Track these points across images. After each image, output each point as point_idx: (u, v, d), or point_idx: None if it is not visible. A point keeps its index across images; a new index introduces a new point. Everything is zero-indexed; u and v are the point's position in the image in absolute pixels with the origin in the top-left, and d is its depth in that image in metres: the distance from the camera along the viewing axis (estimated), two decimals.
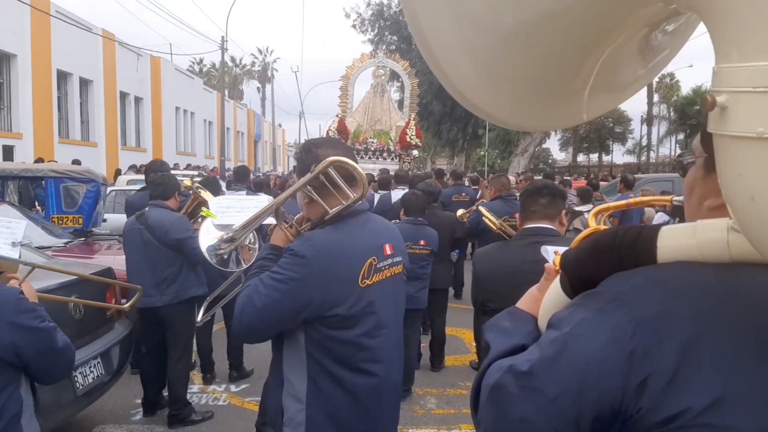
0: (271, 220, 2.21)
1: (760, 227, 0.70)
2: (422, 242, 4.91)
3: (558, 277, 1.01)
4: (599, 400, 0.81)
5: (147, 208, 4.47)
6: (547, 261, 1.17)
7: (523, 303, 1.14)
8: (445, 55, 1.11)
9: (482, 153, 31.44)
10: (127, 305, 3.54)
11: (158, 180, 4.74)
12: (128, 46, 26.40)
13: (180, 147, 33.54)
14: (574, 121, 1.32)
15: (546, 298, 1.05)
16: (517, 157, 25.30)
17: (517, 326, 1.06)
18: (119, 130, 26.35)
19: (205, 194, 4.95)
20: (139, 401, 4.65)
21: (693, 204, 0.96)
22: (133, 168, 16.60)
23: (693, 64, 35.75)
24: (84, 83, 23.69)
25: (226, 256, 2.15)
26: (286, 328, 1.93)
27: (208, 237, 2.16)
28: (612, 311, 0.83)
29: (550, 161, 47.02)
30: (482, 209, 5.21)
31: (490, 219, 4.90)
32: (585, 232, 1.04)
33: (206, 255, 2.12)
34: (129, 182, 12.60)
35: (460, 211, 6.42)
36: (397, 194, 7.10)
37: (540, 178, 13.95)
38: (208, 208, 4.96)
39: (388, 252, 2.01)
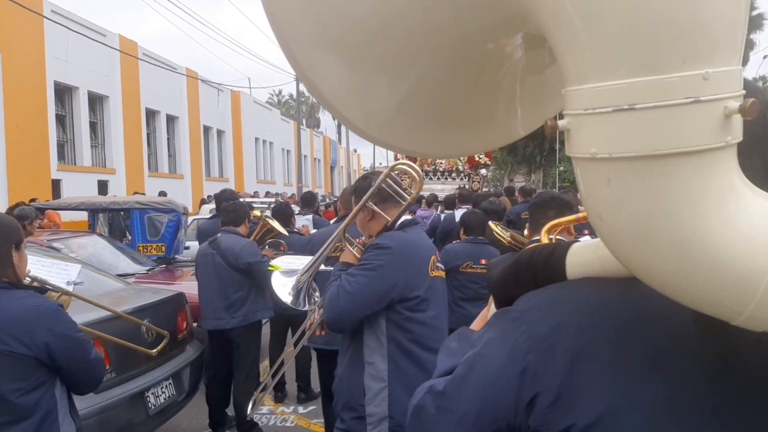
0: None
1: (613, 244, 0.71)
2: (483, 261, 4.79)
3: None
4: (496, 419, 0.82)
5: (219, 234, 4.68)
6: None
7: (475, 323, 1.15)
8: (342, 100, 1.05)
9: (562, 168, 30.60)
10: (154, 351, 3.61)
11: (230, 207, 4.98)
12: (210, 83, 27.79)
13: (260, 176, 34.78)
14: (508, 138, 1.25)
15: (488, 318, 1.04)
16: None
17: (463, 347, 1.03)
18: (203, 162, 27.69)
19: (273, 223, 5.13)
20: (208, 422, 4.80)
21: None
22: (210, 199, 17.33)
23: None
24: (170, 119, 25.11)
25: (302, 290, 2.48)
26: (373, 311, 2.26)
27: (282, 285, 2.48)
28: (513, 330, 0.83)
29: None
30: (491, 224, 4.97)
31: (498, 233, 4.78)
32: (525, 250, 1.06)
33: (285, 299, 2.45)
34: (211, 211, 13.15)
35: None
36: (460, 213, 7.02)
37: None
38: (275, 236, 5.16)
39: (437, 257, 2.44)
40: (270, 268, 2.71)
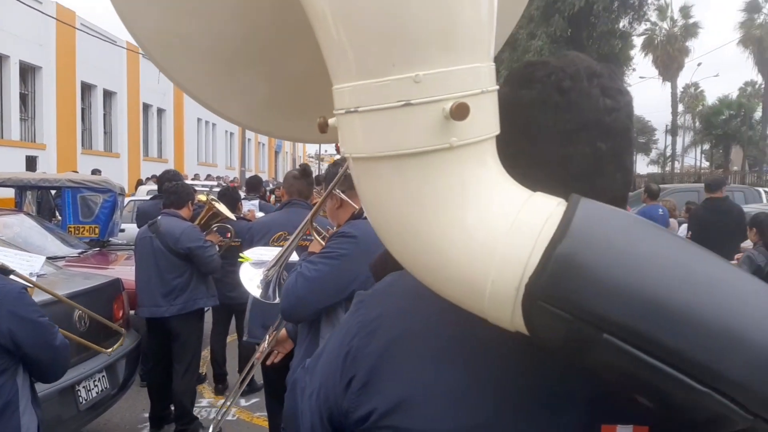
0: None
1: (380, 237, 0.74)
2: None
3: None
4: (327, 398, 0.84)
5: (159, 217, 4.42)
6: None
7: None
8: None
9: None
10: (109, 350, 3.55)
11: (171, 189, 4.72)
12: None
13: (201, 158, 33.82)
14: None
15: None
16: None
17: None
18: (141, 141, 26.63)
19: (220, 206, 4.88)
20: (147, 415, 4.55)
21: None
22: (154, 178, 16.70)
23: (719, 73, 35.26)
24: (108, 95, 24.01)
25: (272, 283, 2.31)
26: (331, 302, 2.12)
27: (250, 278, 2.33)
28: (353, 313, 0.86)
29: None
30: None
31: None
32: None
33: (253, 292, 2.29)
34: (149, 192, 12.65)
35: None
36: None
37: None
38: (222, 220, 4.93)
39: None
40: (240, 259, 2.55)
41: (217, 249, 4.60)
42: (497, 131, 0.69)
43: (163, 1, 0.97)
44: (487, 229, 0.63)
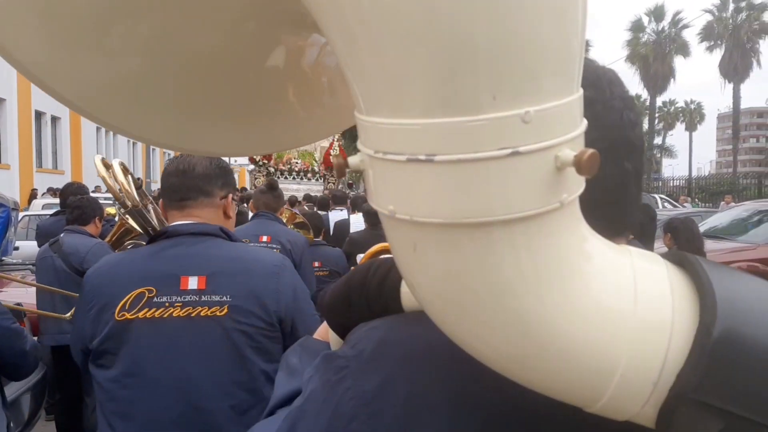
0: None
1: (434, 318, 0.55)
2: (316, 264, 4.61)
3: None
4: None
5: (62, 234, 4.06)
6: None
7: (319, 330, 0.95)
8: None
9: None
10: (68, 315, 3.36)
11: (76, 203, 4.31)
12: None
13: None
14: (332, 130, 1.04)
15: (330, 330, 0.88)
16: None
17: (305, 363, 0.87)
18: (34, 151, 24.83)
19: (133, 222, 4.55)
20: None
21: None
22: (51, 191, 15.62)
23: None
24: None
25: None
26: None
27: None
28: (337, 385, 0.66)
29: None
30: None
31: None
32: (372, 250, 0.95)
33: None
34: (45, 206, 11.83)
35: None
36: (334, 215, 6.89)
37: None
38: (134, 236, 4.60)
39: (191, 286, 1.58)
40: None
41: None
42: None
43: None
44: (607, 308, 0.50)
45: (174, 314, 1.56)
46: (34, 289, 4.22)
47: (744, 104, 51.51)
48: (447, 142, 0.45)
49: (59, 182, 21.38)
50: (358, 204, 6.49)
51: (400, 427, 0.61)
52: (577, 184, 0.49)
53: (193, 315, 1.56)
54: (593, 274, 0.50)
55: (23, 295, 4.47)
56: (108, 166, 2.07)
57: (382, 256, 0.87)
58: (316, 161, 17.19)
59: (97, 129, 31.25)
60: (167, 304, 1.56)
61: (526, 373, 0.53)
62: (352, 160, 0.52)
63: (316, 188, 15.03)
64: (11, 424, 3.37)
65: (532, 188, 0.46)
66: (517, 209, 0.46)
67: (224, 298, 1.58)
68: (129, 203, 1.77)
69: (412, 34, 0.44)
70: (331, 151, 16.52)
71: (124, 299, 1.55)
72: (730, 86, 40.61)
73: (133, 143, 37.79)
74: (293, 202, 11.05)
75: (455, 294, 0.50)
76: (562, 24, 0.46)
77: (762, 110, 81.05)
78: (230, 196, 1.82)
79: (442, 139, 0.45)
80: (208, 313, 1.57)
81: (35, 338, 3.95)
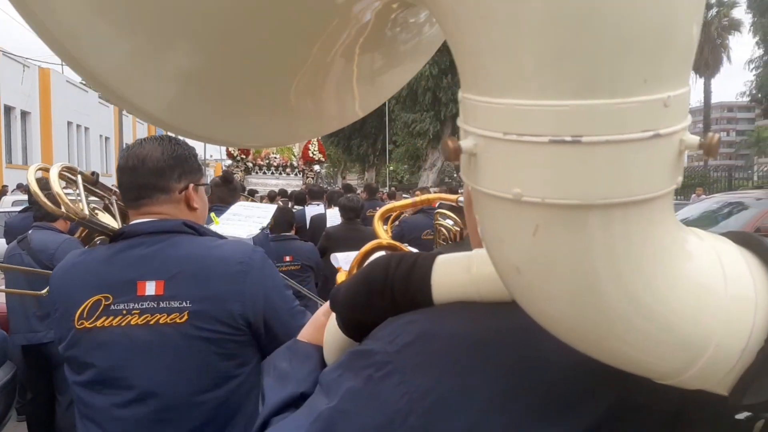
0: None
1: (530, 301, 0.57)
2: (287, 258, 4.55)
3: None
4: None
5: (30, 231, 3.96)
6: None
7: (306, 332, 0.93)
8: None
9: (391, 168, 31.81)
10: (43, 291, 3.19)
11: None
12: (13, 56, 24.47)
13: (74, 164, 31.29)
14: (342, 121, 1.11)
15: (328, 330, 0.85)
16: (425, 171, 25.73)
17: (296, 368, 0.86)
18: (3, 147, 24.24)
19: (104, 216, 4.46)
20: None
21: (471, 224, 0.80)
22: (22, 188, 15.27)
23: None
24: None
25: None
26: None
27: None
28: (382, 382, 0.65)
29: (455, 176, 48.23)
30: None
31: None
32: (366, 247, 0.91)
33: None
34: (15, 203, 11.56)
35: None
36: (311, 210, 6.85)
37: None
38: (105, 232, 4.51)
39: (148, 292, 1.47)
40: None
41: None
42: None
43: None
44: (705, 287, 0.53)
45: (132, 322, 1.46)
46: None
47: (714, 99, 52.54)
48: (595, 123, 0.45)
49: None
50: (334, 199, 6.48)
51: (458, 420, 0.61)
52: (682, 169, 0.53)
53: (152, 323, 1.46)
54: (691, 255, 0.54)
55: None
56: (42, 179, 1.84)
57: (376, 254, 0.86)
58: (294, 156, 17.09)
59: (68, 124, 30.65)
60: (124, 312, 1.46)
61: (623, 349, 0.54)
62: (466, 143, 0.51)
63: (294, 183, 14.93)
64: None
65: (664, 170, 0.49)
66: (652, 189, 0.48)
67: (184, 303, 1.46)
68: (73, 216, 1.53)
69: (578, 19, 0.44)
70: (310, 146, 16.43)
71: (82, 306, 1.47)
72: (701, 81, 41.33)
73: (105, 138, 37.09)
74: (272, 197, 10.99)
75: (573, 276, 0.51)
76: (699, 12, 0.50)
77: (732, 104, 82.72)
78: (191, 186, 1.62)
79: (591, 121, 0.45)
80: (168, 320, 1.46)
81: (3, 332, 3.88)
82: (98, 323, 1.46)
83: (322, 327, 0.88)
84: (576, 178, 0.47)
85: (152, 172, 1.55)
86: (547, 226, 0.49)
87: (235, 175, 15.73)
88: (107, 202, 1.83)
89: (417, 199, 1.34)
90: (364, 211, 5.57)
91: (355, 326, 0.75)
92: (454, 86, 23.44)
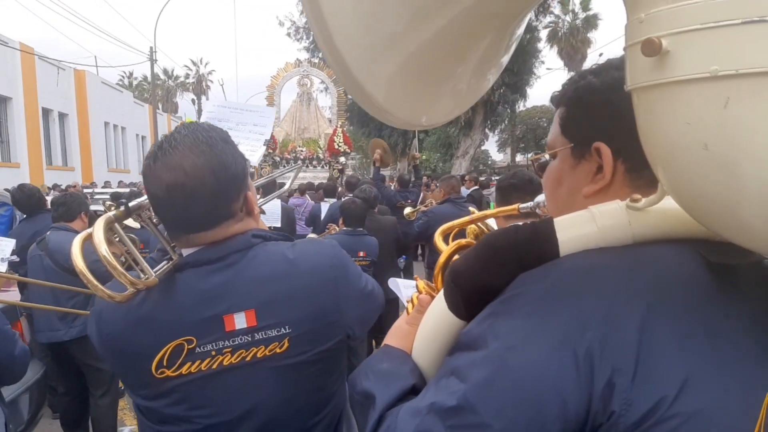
0: None
1: (714, 178, 0.63)
2: (361, 254, 4.61)
3: (437, 300, 0.91)
4: (561, 416, 0.68)
5: (48, 232, 3.98)
6: (397, 295, 1.03)
7: (393, 339, 1.00)
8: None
9: (424, 157, 31.64)
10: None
11: (60, 200, 4.18)
12: (49, 59, 25.08)
13: (111, 164, 32.18)
14: (446, 116, 1.20)
15: (426, 328, 0.93)
16: (458, 159, 25.43)
17: (397, 366, 0.91)
18: (43, 149, 24.93)
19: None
20: None
21: (563, 196, 0.94)
22: (57, 189, 15.64)
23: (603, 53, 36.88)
24: (2, 101, 22.29)
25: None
26: None
27: None
28: (546, 310, 0.73)
29: (489, 162, 47.73)
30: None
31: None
32: (448, 250, 1.00)
33: None
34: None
35: (407, 210, 6.41)
36: (326, 207, 6.92)
37: (482, 179, 13.89)
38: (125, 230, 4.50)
39: (238, 326, 1.25)
40: None
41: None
42: None
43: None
44: None
45: (225, 362, 1.24)
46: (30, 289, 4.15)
47: None
48: None
49: (69, 179, 21.53)
50: (351, 186, 6.55)
51: (637, 324, 0.69)
52: None
53: (248, 359, 1.25)
54: None
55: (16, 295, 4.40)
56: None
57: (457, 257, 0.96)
58: (320, 148, 17.10)
59: (105, 124, 31.31)
60: (213, 353, 1.24)
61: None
62: (665, 41, 0.61)
63: (321, 175, 14.93)
64: (9, 426, 3.33)
65: None
66: None
67: (283, 330, 1.26)
68: (142, 287, 1.17)
69: None
70: (335, 137, 16.40)
71: (159, 355, 1.23)
72: None
73: (142, 137, 37.78)
74: (303, 190, 10.97)
75: (757, 142, 0.59)
76: None
77: None
78: (248, 193, 1.34)
79: None
80: (267, 352, 1.26)
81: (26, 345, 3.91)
82: (183, 370, 1.23)
83: (408, 335, 0.97)
84: (764, 49, 0.57)
85: (210, 204, 1.24)
86: (737, 96, 0.59)
87: (263, 170, 15.90)
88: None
89: (474, 216, 1.26)
90: (377, 201, 5.60)
91: (476, 296, 0.82)
92: None
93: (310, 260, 1.34)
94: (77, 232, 4.00)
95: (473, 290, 0.83)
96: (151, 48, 27.31)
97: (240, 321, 1.25)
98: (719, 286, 0.73)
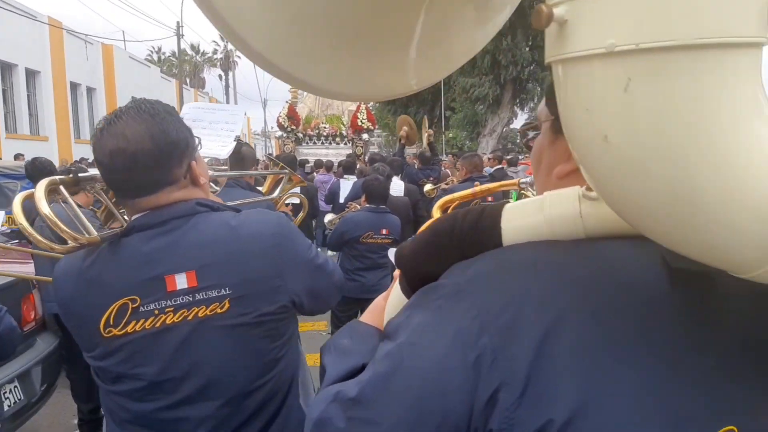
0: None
1: (616, 174, 0.54)
2: (384, 231, 4.59)
3: (398, 278, 0.87)
4: (442, 424, 0.64)
5: (52, 204, 3.94)
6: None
7: (367, 315, 0.97)
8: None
9: (450, 135, 31.27)
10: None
11: (64, 172, 4.18)
12: (77, 33, 25.26)
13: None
14: (400, 90, 1.12)
15: (387, 306, 0.91)
16: (485, 137, 25.11)
17: (357, 343, 0.88)
18: (71, 123, 25.27)
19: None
20: (76, 421, 4.14)
21: (542, 175, 0.85)
22: (84, 162, 15.80)
23: None
24: (31, 74, 22.56)
25: None
26: None
27: None
28: (452, 308, 0.67)
29: (518, 141, 47.13)
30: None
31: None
32: (426, 224, 0.95)
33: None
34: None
35: (427, 187, 6.46)
36: (345, 184, 6.92)
37: (509, 157, 13.65)
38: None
39: (180, 286, 1.30)
40: None
41: None
42: None
43: None
44: None
45: (168, 321, 1.30)
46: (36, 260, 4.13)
47: None
48: None
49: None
50: (394, 167, 6.69)
51: (537, 337, 0.62)
52: None
53: (189, 318, 1.31)
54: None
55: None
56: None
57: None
58: (344, 125, 16.97)
59: (133, 99, 31.46)
60: (156, 312, 1.30)
61: (708, 227, 0.51)
62: (558, 9, 0.52)
63: (345, 152, 14.82)
64: (22, 397, 3.33)
65: (763, 14, 0.47)
66: (749, 32, 0.47)
67: (223, 291, 1.32)
68: (84, 243, 1.31)
69: None
70: (359, 114, 16.25)
71: (106, 314, 1.29)
72: None
73: None
74: (329, 167, 10.90)
75: (661, 132, 0.49)
76: None
77: None
78: (192, 162, 1.38)
79: None
80: (207, 312, 1.31)
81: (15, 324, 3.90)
82: (128, 329, 1.30)
83: (382, 310, 0.92)
84: (668, 18, 0.47)
85: (151, 169, 1.30)
86: (638, 77, 0.49)
87: (286, 147, 15.84)
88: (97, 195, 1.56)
89: (476, 189, 1.31)
90: (389, 180, 5.71)
91: (419, 281, 0.76)
92: (514, 48, 22.63)
93: (252, 227, 1.40)
94: (81, 206, 4.00)
95: (416, 275, 0.79)
96: (177, 23, 27.35)
97: (181, 281, 1.30)
98: (679, 298, 0.65)
